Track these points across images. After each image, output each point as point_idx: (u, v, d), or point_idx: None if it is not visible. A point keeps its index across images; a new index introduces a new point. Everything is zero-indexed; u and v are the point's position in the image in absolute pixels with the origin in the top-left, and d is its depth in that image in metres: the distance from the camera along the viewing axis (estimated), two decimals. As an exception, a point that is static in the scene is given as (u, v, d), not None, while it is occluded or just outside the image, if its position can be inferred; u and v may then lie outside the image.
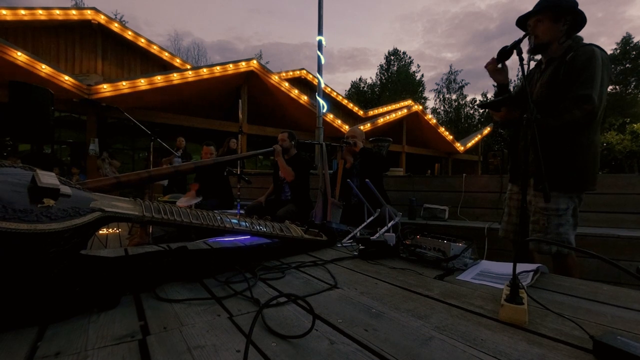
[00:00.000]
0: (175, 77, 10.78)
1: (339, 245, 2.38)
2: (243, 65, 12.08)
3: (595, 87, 2.08)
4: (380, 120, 17.12)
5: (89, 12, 13.46)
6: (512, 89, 2.53)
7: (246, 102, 13.00)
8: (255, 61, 12.39)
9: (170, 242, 2.25)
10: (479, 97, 50.80)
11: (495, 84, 2.48)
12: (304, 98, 13.88)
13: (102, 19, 13.66)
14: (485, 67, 2.40)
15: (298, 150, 4.81)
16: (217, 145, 6.80)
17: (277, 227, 1.99)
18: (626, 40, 33.53)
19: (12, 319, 1.00)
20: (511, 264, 1.21)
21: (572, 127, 2.16)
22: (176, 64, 15.76)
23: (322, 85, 5.51)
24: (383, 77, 51.84)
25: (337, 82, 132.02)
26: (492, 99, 2.48)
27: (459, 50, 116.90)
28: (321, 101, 5.45)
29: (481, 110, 46.80)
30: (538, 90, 2.35)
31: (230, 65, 11.84)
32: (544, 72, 2.38)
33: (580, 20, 2.29)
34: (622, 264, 0.99)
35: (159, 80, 10.45)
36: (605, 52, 2.21)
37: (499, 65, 2.35)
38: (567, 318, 1.09)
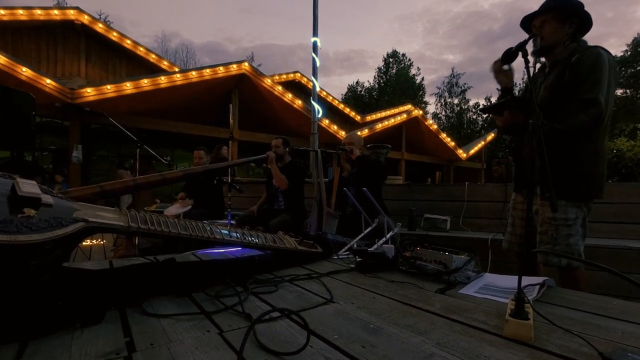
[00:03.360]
0: (163, 81, 10.79)
1: (335, 257, 2.38)
2: (234, 68, 12.11)
3: (602, 90, 2.09)
4: (379, 126, 17.18)
5: (71, 12, 13.50)
6: (516, 93, 2.54)
7: (237, 106, 13.00)
8: (247, 64, 12.42)
9: (157, 254, 2.25)
10: (482, 102, 51.01)
11: (499, 88, 2.49)
12: (298, 102, 13.92)
13: (85, 19, 13.69)
14: (492, 68, 2.41)
15: (292, 158, 4.82)
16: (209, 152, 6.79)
17: (269, 238, 1.99)
18: (637, 42, 33.51)
19: (-11, 336, 1.00)
20: (516, 277, 1.21)
21: (577, 132, 2.16)
22: (164, 67, 15.79)
23: (317, 89, 5.53)
24: (381, 81, 51.98)
25: (333, 85, 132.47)
26: (495, 102, 2.49)
27: (461, 52, 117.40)
28: (316, 106, 5.46)
29: (484, 115, 46.97)
30: (542, 94, 2.36)
31: (221, 68, 11.87)
32: (548, 76, 2.39)
33: (586, 22, 2.31)
34: (633, 277, 1.00)
35: (145, 83, 10.45)
36: (612, 55, 2.22)
37: (505, 67, 2.36)
38: (575, 334, 1.09)
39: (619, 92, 32.80)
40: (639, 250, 3.26)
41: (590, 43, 2.30)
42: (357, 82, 55.26)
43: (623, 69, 33.32)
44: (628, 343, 1.04)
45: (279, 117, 14.77)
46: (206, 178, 5.41)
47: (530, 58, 2.08)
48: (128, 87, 10.20)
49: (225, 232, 1.73)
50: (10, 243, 0.93)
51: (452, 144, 21.20)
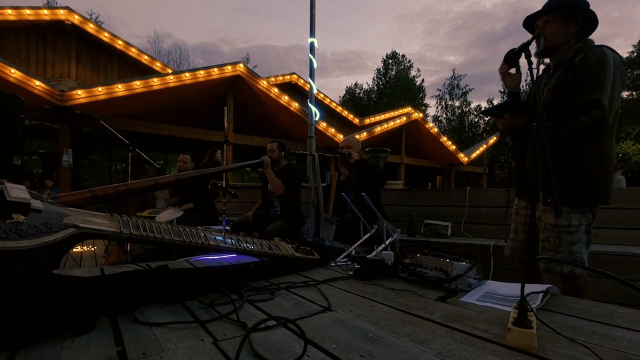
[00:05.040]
0: (156, 83, 10.78)
1: (333, 264, 2.38)
2: (229, 70, 12.13)
3: (605, 91, 2.07)
4: (377, 129, 17.19)
5: (61, 11, 13.49)
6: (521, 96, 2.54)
7: (232, 109, 13.01)
8: (241, 65, 12.44)
9: (149, 261, 2.24)
10: (484, 104, 51.03)
11: (502, 90, 2.50)
12: (295, 105, 13.93)
13: (76, 19, 13.68)
14: (499, 70, 2.41)
15: (288, 162, 4.82)
16: (200, 156, 6.77)
17: (265, 244, 1.99)
18: (644, 43, 33.51)
19: (-24, 346, 0.99)
20: (519, 285, 1.22)
21: (580, 134, 2.15)
22: (156, 68, 15.79)
23: (315, 91, 5.54)
24: (380, 83, 52.07)
25: (330, 87, 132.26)
26: (495, 105, 2.48)
27: (463, 53, 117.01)
28: (313, 108, 5.47)
29: (486, 118, 47.00)
30: (545, 96, 2.36)
31: (215, 70, 11.89)
32: (551, 77, 2.38)
33: (591, 22, 2.30)
34: (639, 285, 1.00)
35: (137, 85, 10.44)
36: (618, 55, 2.20)
37: (512, 70, 2.36)
38: (580, 343, 1.09)
39: (624, 94, 32.69)
40: (645, 257, 3.26)
41: (595, 43, 2.30)
42: (355, 84, 55.34)
43: (629, 70, 33.19)
44: (634, 352, 1.04)
45: (275, 120, 14.79)
46: (197, 183, 5.40)
47: (534, 59, 2.08)
48: (120, 89, 10.19)
49: (220, 238, 1.73)
50: (-1, 250, 0.93)
51: (453, 147, 21.23)
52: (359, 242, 2.68)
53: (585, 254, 2.24)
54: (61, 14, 13.47)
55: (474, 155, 23.24)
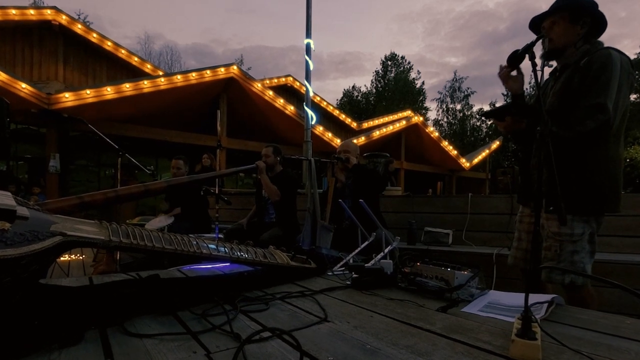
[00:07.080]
0: (146, 85, 10.78)
1: (330, 273, 2.38)
2: (222, 72, 12.14)
3: (610, 94, 2.06)
4: (376, 133, 17.22)
5: (49, 12, 13.46)
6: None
7: (225, 112, 12.99)
8: (235, 67, 12.46)
9: (139, 270, 2.24)
10: (486, 107, 50.78)
11: (504, 93, 2.50)
12: (291, 108, 13.95)
13: (63, 19, 13.67)
14: (499, 75, 2.40)
15: (284, 167, 4.82)
16: (195, 162, 6.76)
17: (260, 253, 1.99)
18: (653, 43, 33.41)
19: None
20: (522, 295, 1.22)
21: (585, 139, 2.15)
22: (147, 70, 15.80)
23: (311, 94, 5.52)
24: (379, 85, 52.10)
25: (327, 90, 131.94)
26: (496, 107, 2.47)
27: (465, 54, 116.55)
28: (310, 112, 5.45)
29: (489, 122, 46.95)
30: (550, 100, 2.35)
31: (208, 72, 11.89)
32: (557, 80, 2.38)
33: (600, 23, 2.30)
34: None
35: (127, 88, 10.43)
36: (627, 56, 2.20)
37: (513, 72, 2.35)
38: (586, 355, 1.09)
39: (632, 97, 32.51)
40: (653, 266, 3.26)
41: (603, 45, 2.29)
42: (353, 87, 55.43)
43: (637, 72, 33.02)
44: (641, 364, 1.05)
45: (269, 123, 14.79)
46: (191, 189, 5.40)
47: (538, 61, 2.08)
48: (109, 92, 10.18)
49: (213, 246, 1.73)
50: (-17, 258, 0.93)
51: (455, 152, 21.25)
52: (356, 251, 2.68)
53: (588, 264, 2.22)
54: (48, 14, 13.44)
55: (476, 160, 23.26)
